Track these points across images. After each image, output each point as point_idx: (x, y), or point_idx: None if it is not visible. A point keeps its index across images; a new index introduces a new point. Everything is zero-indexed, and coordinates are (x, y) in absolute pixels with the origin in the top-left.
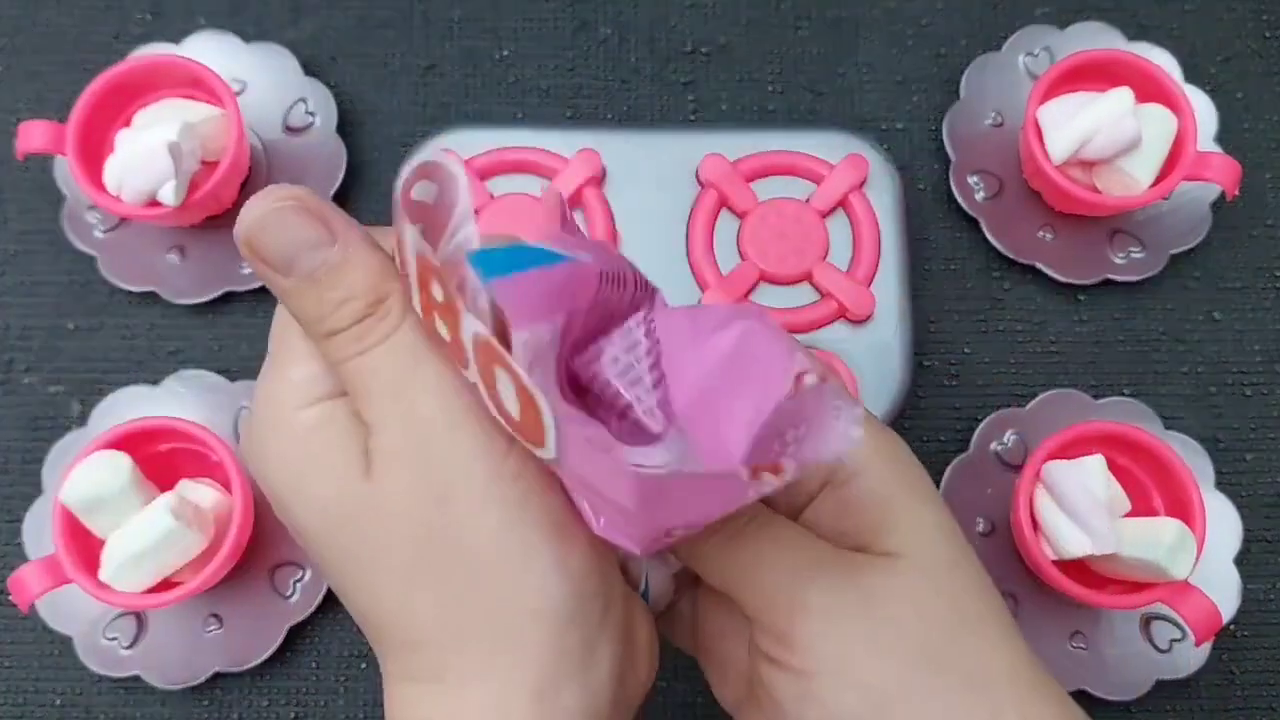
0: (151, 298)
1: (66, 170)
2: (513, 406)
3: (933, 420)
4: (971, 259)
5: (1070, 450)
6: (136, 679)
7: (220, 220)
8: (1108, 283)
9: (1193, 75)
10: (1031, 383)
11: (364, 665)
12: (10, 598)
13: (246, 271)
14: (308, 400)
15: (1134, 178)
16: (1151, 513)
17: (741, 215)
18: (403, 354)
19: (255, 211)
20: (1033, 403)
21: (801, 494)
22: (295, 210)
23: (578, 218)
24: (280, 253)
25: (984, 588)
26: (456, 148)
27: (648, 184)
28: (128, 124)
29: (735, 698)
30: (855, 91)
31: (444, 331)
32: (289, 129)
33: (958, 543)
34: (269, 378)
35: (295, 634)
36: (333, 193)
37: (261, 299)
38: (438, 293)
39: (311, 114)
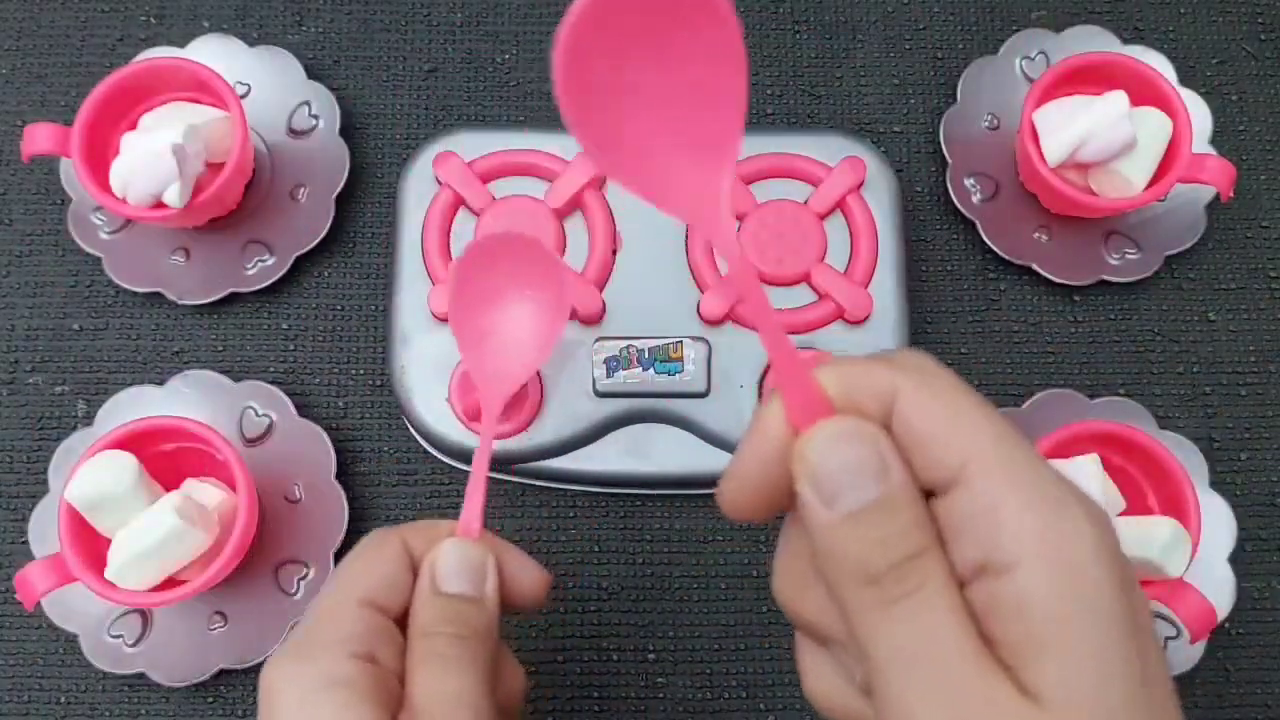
0: (156, 298)
1: (72, 172)
2: None
3: None
4: (968, 260)
5: (1066, 449)
6: (141, 676)
7: (224, 222)
8: (1103, 284)
9: (1188, 78)
10: (1027, 383)
11: None
12: (16, 595)
13: (251, 272)
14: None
15: (1129, 180)
16: (1147, 512)
17: (740, 217)
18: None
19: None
20: (1028, 402)
21: (962, 561)
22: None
23: (579, 220)
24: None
25: None
26: (458, 150)
27: None
28: (133, 126)
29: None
30: (853, 95)
31: None
32: (293, 131)
33: (1133, 698)
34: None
35: None
36: (335, 195)
37: (265, 300)
38: None
39: (315, 117)
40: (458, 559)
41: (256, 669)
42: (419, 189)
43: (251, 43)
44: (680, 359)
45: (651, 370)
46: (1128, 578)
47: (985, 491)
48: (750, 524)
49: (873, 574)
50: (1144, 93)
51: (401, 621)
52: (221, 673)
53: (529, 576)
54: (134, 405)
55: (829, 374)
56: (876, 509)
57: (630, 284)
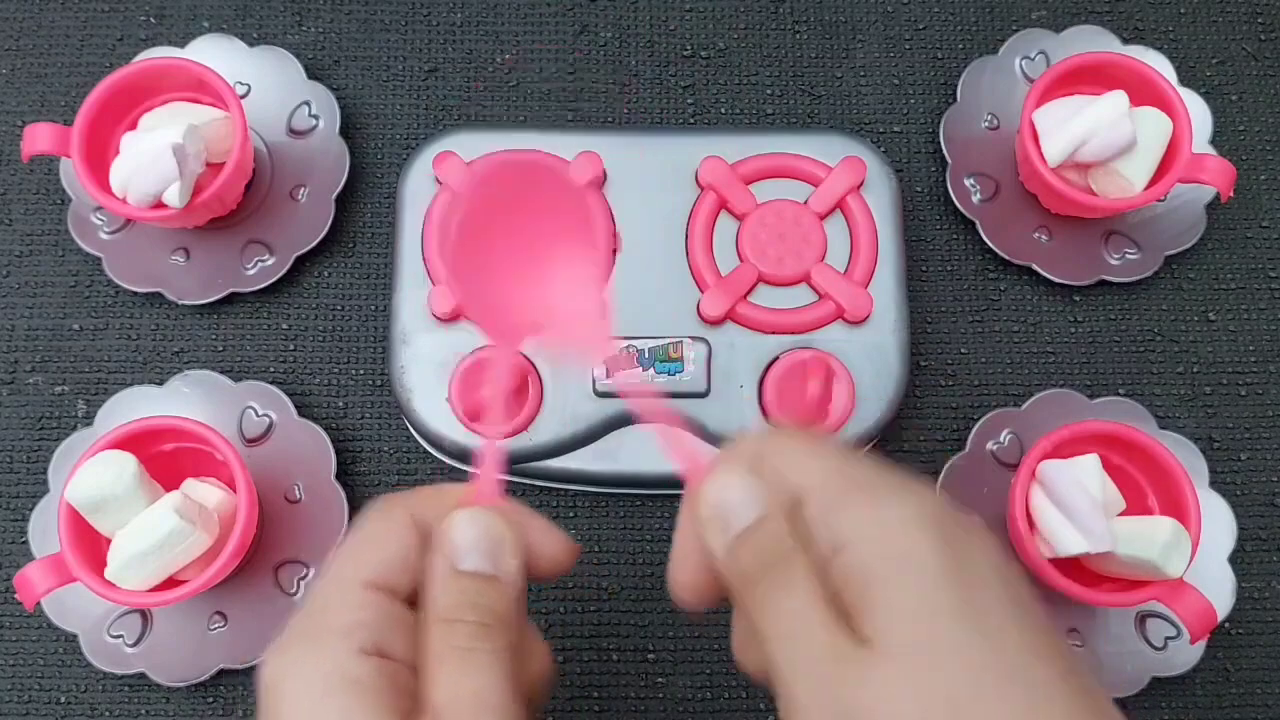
0: (156, 298)
1: (72, 172)
2: None
3: (929, 420)
4: (968, 260)
5: (1066, 449)
6: (141, 676)
7: (224, 222)
8: (1103, 284)
9: (1187, 78)
10: (1027, 383)
11: None
12: (16, 595)
13: (251, 272)
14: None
15: (1129, 180)
16: (1147, 512)
17: (740, 217)
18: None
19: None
20: (1028, 402)
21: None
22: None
23: None
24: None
25: (997, 682)
26: (458, 150)
27: (648, 186)
28: (133, 126)
29: None
30: (853, 94)
31: None
32: (293, 131)
33: (955, 624)
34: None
35: None
36: (336, 194)
37: (265, 300)
38: None
39: (315, 116)
40: (477, 532)
41: (256, 669)
42: (419, 189)
43: (251, 43)
44: (680, 359)
45: (651, 370)
46: (953, 538)
47: (826, 495)
48: (704, 610)
49: (756, 576)
50: (1144, 93)
51: (413, 599)
52: (221, 673)
53: (554, 546)
54: (134, 405)
55: (717, 456)
56: (757, 526)
57: (630, 284)
